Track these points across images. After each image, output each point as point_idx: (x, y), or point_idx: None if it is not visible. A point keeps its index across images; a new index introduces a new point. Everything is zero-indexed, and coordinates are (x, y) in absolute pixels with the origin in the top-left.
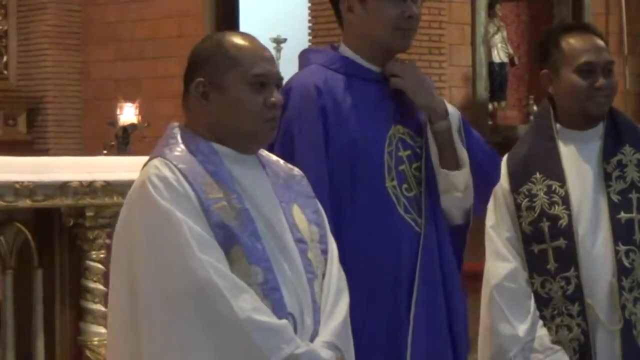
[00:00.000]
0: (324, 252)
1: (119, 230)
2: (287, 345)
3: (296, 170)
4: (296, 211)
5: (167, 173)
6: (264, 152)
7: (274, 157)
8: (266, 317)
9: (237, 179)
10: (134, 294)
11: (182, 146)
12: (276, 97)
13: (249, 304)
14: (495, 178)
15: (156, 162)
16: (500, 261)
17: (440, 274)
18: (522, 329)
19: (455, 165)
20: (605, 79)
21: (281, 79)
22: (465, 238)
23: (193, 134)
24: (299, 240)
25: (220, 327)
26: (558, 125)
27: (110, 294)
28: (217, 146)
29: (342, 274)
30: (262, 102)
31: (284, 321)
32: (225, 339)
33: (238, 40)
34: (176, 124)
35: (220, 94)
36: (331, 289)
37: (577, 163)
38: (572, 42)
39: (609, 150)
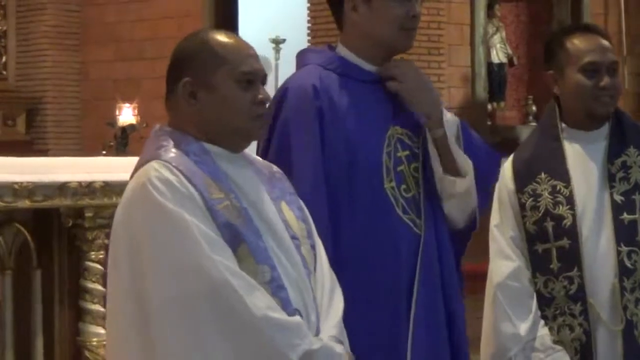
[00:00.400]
0: (313, 247)
1: (116, 232)
2: (302, 341)
3: (275, 168)
4: (285, 208)
5: (169, 175)
6: (245, 151)
7: (254, 156)
8: (280, 314)
9: (232, 178)
10: (139, 297)
11: (175, 147)
12: (263, 93)
13: (263, 302)
14: (493, 178)
15: (154, 164)
16: (504, 260)
17: (439, 274)
18: (523, 328)
19: (456, 171)
20: (610, 78)
21: (266, 75)
22: (465, 244)
23: (182, 135)
24: (292, 237)
25: (237, 326)
26: (563, 125)
27: (109, 297)
28: (208, 146)
29: (331, 269)
30: (250, 99)
31: (298, 318)
32: (242, 337)
33: (223, 38)
34: (158, 125)
35: (209, 92)
36: (325, 284)
37: (582, 163)
38: (577, 42)
39: (614, 151)
